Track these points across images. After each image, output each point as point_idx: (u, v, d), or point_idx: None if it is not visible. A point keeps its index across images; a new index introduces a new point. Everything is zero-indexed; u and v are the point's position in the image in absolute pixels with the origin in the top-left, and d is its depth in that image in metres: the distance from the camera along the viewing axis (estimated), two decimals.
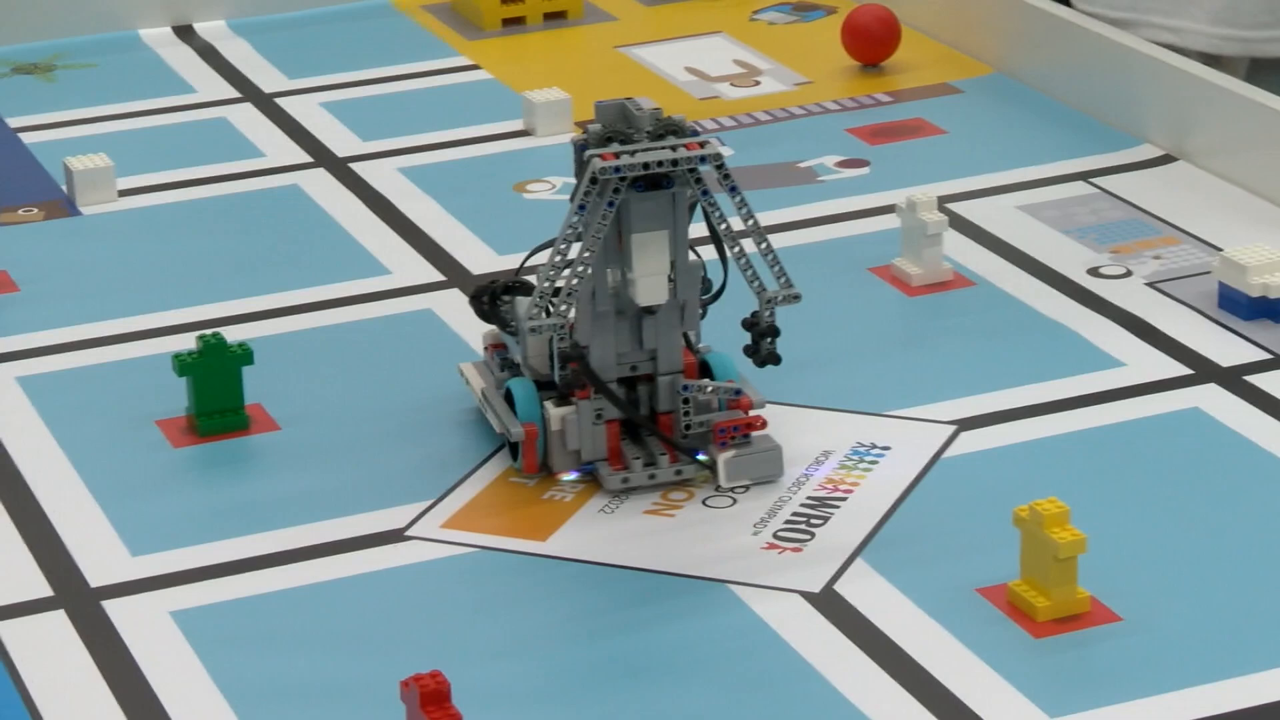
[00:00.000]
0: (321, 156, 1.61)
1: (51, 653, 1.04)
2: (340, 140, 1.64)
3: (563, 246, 1.07)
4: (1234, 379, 1.26)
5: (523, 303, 1.13)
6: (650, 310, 1.11)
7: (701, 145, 1.07)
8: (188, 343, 1.25)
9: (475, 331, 1.33)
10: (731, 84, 1.72)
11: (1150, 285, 1.37)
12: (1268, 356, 1.28)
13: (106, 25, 1.85)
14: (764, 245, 1.11)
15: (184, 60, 1.80)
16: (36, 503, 1.17)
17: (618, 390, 1.12)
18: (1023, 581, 1.05)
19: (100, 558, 1.13)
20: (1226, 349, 1.30)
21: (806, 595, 1.07)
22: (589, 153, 1.07)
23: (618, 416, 1.12)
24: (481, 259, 1.44)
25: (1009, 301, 1.35)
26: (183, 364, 1.22)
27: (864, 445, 1.20)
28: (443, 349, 1.33)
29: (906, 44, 1.73)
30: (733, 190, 1.09)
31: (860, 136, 1.61)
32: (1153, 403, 1.24)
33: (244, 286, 1.41)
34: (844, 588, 1.07)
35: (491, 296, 1.17)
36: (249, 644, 1.05)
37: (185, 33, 1.85)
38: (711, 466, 1.13)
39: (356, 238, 1.48)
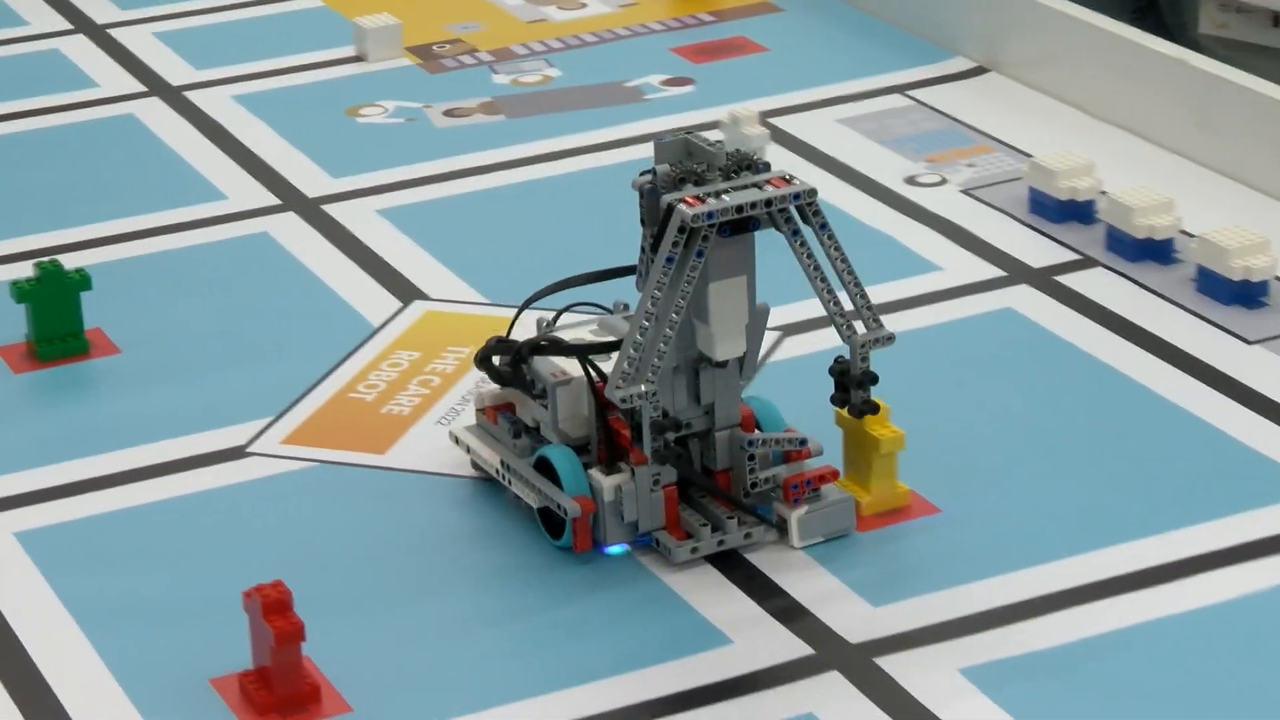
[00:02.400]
0: (155, 86, 1.60)
1: None
2: (173, 69, 1.63)
3: (650, 308, 0.94)
4: (1045, 279, 1.28)
5: (544, 362, 1.02)
6: (722, 363, 0.99)
7: (788, 181, 0.96)
8: (25, 270, 1.25)
9: (311, 255, 1.33)
10: (558, 6, 1.71)
11: (964, 192, 1.39)
12: (1076, 257, 1.31)
13: None
14: (852, 281, 0.98)
15: None
16: None
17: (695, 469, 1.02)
18: (845, 478, 1.07)
19: None
20: (1037, 251, 1.32)
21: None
22: (668, 198, 0.94)
23: (674, 481, 1.00)
24: (316, 182, 1.44)
25: (830, 210, 1.34)
26: (21, 291, 1.22)
27: None
28: (279, 271, 1.33)
29: None
30: (822, 227, 0.97)
31: (685, 55, 1.61)
32: (968, 304, 1.26)
33: (81, 215, 1.41)
34: None
35: (514, 358, 1.03)
36: (94, 563, 1.05)
37: None
38: (782, 525, 1.02)
39: (192, 164, 1.48)
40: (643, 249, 0.99)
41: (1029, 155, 1.39)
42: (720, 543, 1.00)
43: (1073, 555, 1.02)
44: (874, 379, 0.98)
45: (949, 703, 0.92)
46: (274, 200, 1.42)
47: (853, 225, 1.35)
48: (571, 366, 1.00)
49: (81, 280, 1.22)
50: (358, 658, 0.97)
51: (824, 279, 0.97)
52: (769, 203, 0.94)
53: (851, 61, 1.59)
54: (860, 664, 0.94)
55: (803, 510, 1.00)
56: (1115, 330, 1.23)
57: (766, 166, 0.97)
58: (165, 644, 0.99)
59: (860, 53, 1.60)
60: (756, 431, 1.01)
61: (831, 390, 1.00)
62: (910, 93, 1.54)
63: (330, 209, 1.40)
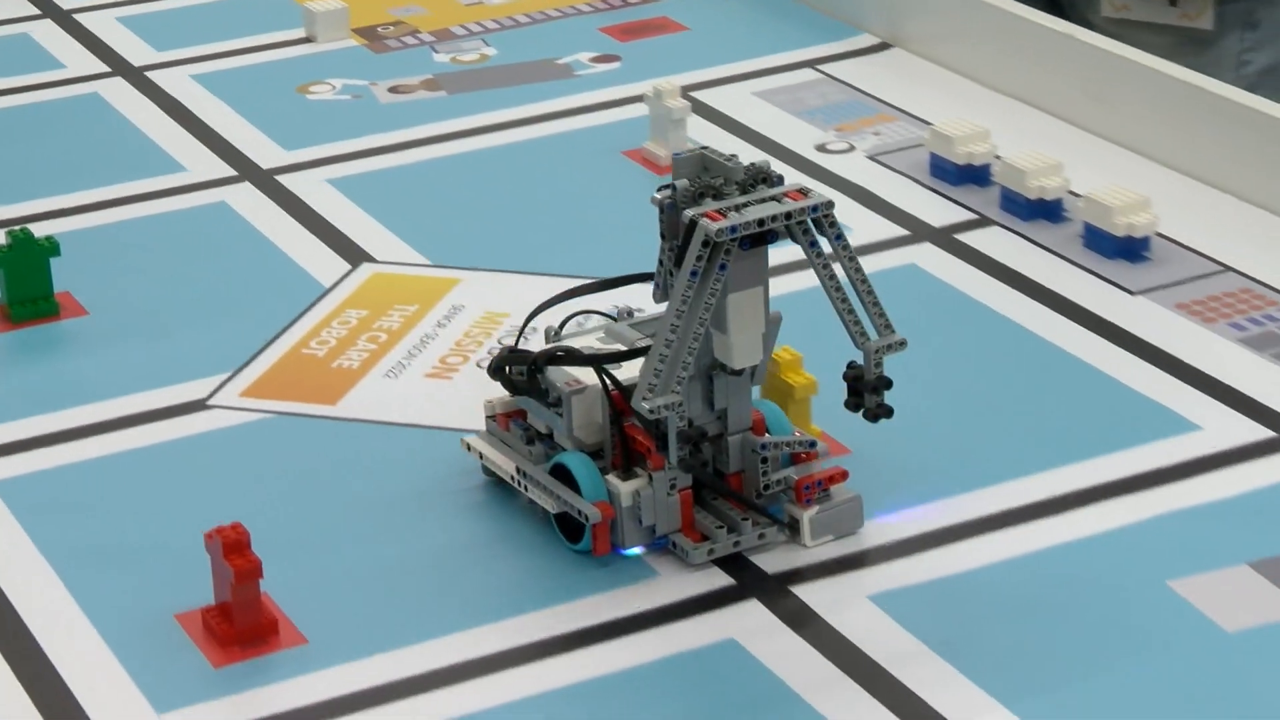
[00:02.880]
0: (119, 66, 1.59)
1: None
2: (136, 51, 1.62)
3: (675, 320, 0.89)
4: (945, 238, 1.28)
5: (557, 371, 0.96)
6: (739, 371, 0.95)
7: (805, 194, 0.92)
8: None
9: (265, 222, 1.32)
10: None
11: (870, 158, 1.39)
12: (974, 217, 1.30)
13: None
14: (865, 288, 0.93)
15: None
16: None
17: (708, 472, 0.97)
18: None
19: None
20: (938, 211, 1.32)
21: None
22: (690, 213, 0.90)
23: (690, 485, 0.96)
24: (269, 155, 1.43)
25: None
26: None
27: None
28: (236, 237, 1.32)
29: None
30: (838, 237, 0.93)
31: (612, 35, 1.61)
32: (875, 261, 1.25)
33: (50, 187, 1.39)
34: None
35: (531, 367, 0.97)
36: (66, 509, 1.04)
37: None
38: (794, 525, 0.98)
39: (154, 139, 1.46)
40: (661, 261, 0.94)
41: (929, 124, 1.39)
42: (736, 544, 0.96)
43: (973, 490, 1.03)
44: (888, 384, 0.94)
45: (857, 624, 0.92)
46: (231, 172, 1.41)
47: None
48: (585, 375, 0.96)
49: (51, 247, 1.21)
50: (313, 593, 0.97)
51: (839, 287, 0.92)
52: (789, 215, 0.91)
53: (766, 39, 1.58)
54: (778, 592, 0.94)
55: (814, 510, 0.97)
56: (1010, 284, 1.23)
57: (781, 179, 0.94)
58: (133, 582, 0.98)
59: (774, 31, 1.60)
60: (767, 435, 0.97)
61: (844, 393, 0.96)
62: (820, 67, 1.53)
63: (283, 179, 1.40)
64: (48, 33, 1.66)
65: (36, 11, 1.70)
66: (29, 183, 1.40)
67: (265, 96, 1.52)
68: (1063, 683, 0.89)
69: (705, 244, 0.89)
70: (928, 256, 1.26)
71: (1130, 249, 1.24)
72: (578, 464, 0.95)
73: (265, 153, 1.43)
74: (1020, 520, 1.00)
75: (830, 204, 0.92)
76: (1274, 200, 1.28)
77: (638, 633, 0.92)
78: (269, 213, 1.35)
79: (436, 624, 0.95)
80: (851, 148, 1.40)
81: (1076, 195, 1.28)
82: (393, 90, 1.52)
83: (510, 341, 1.07)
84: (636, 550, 0.96)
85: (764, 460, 0.96)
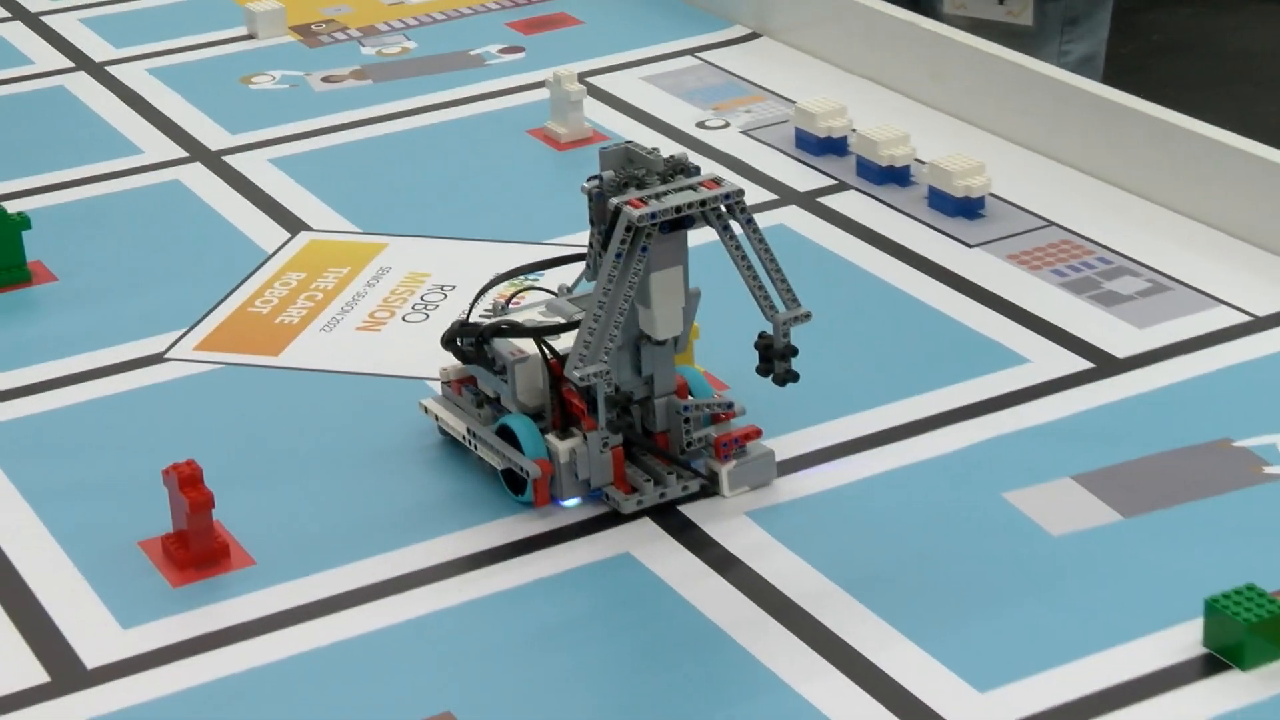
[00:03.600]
0: (81, 62, 1.57)
1: None
2: (97, 48, 1.60)
3: (602, 297, 0.89)
4: (809, 201, 1.29)
5: (503, 343, 0.95)
6: (662, 341, 0.94)
7: (718, 183, 0.91)
8: None
9: (221, 201, 1.32)
10: None
11: (743, 133, 1.39)
12: (833, 182, 1.31)
13: None
14: (774, 267, 0.92)
15: None
16: None
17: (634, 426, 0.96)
18: None
19: None
20: (802, 178, 1.32)
21: None
22: (615, 201, 0.89)
23: (620, 443, 0.94)
24: (217, 138, 1.42)
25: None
26: None
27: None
28: (188, 211, 1.31)
29: None
30: (749, 221, 0.91)
31: (517, 29, 1.60)
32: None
33: (22, 169, 1.38)
34: None
35: (477, 340, 0.96)
36: (40, 452, 1.04)
37: None
38: (713, 478, 0.96)
39: (114, 126, 1.45)
40: (590, 244, 0.93)
41: (794, 102, 1.39)
42: (662, 495, 0.94)
43: (833, 419, 1.04)
44: (794, 351, 0.92)
45: (735, 536, 0.93)
46: (183, 153, 1.40)
47: None
48: (527, 346, 0.95)
49: (23, 221, 1.20)
50: (260, 522, 0.97)
51: (749, 266, 0.91)
52: (704, 203, 0.89)
53: (651, 31, 1.58)
54: (666, 512, 0.94)
55: (732, 465, 0.95)
56: (865, 240, 1.23)
57: (697, 170, 0.92)
58: (99, 514, 0.98)
59: (658, 24, 1.59)
60: (690, 397, 0.96)
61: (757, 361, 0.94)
62: (698, 55, 1.53)
63: (230, 159, 1.39)
64: (16, 33, 1.64)
65: (7, 14, 1.68)
66: (2, 165, 1.38)
67: (212, 87, 1.51)
68: (906, 572, 0.90)
69: (628, 229, 0.88)
70: (794, 217, 1.27)
71: (968, 208, 1.25)
72: (520, 425, 0.94)
73: (213, 136, 1.42)
74: (880, 443, 1.01)
75: (740, 192, 0.90)
76: (1089, 164, 1.29)
77: (549, 547, 0.93)
78: (217, 189, 1.34)
79: (369, 546, 0.95)
80: (727, 124, 1.40)
81: (921, 162, 1.29)
82: (325, 80, 1.52)
83: (433, 299, 1.07)
84: (574, 501, 0.95)
85: (687, 420, 0.95)
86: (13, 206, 1.23)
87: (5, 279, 1.21)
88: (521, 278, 1.06)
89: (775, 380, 0.93)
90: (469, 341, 0.96)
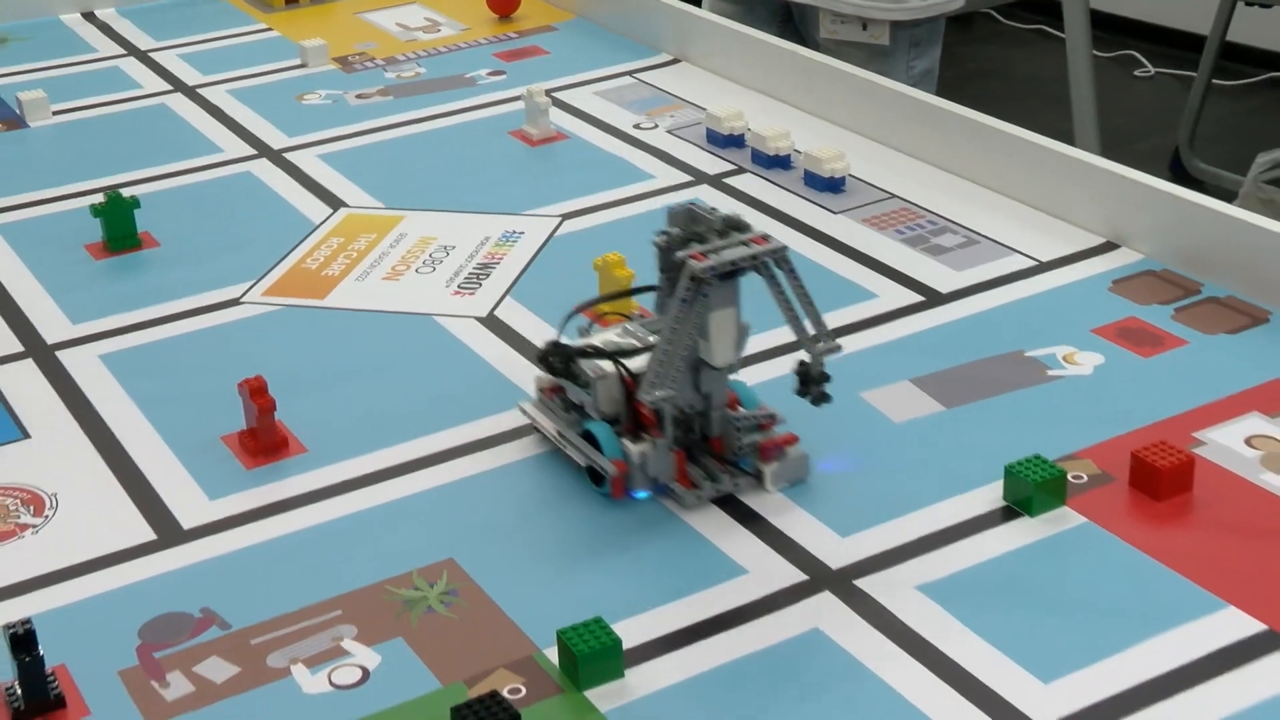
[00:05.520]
0: (178, 85, 1.55)
1: (25, 389, 1.01)
2: (190, 75, 1.57)
3: (670, 336, 0.81)
4: (717, 181, 1.27)
5: (587, 362, 0.87)
6: (718, 366, 0.85)
7: (766, 239, 0.83)
8: (98, 198, 1.20)
9: (281, 186, 1.30)
10: (424, 32, 1.68)
11: (669, 132, 1.37)
12: (734, 167, 1.29)
13: (35, 13, 1.76)
14: (810, 307, 0.83)
15: (89, 33, 1.71)
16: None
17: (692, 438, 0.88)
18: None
19: (51, 323, 1.09)
20: (712, 164, 1.30)
21: (478, 319, 1.07)
22: (680, 255, 0.81)
23: (683, 446, 0.87)
24: (278, 140, 1.40)
25: (592, 148, 1.35)
26: (96, 210, 1.18)
27: (509, 231, 1.20)
28: (256, 194, 1.29)
29: (525, 3, 1.71)
30: (791, 272, 0.83)
31: (501, 58, 1.58)
32: (671, 197, 1.24)
33: (135, 164, 1.35)
34: (503, 313, 1.07)
35: (565, 359, 0.87)
36: (150, 372, 1.02)
37: (89, 17, 1.76)
38: (758, 475, 0.87)
39: (202, 132, 1.43)
40: (659, 286, 0.86)
41: (705, 109, 1.38)
42: (716, 490, 0.86)
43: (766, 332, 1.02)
44: (828, 378, 0.84)
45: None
46: (253, 151, 1.38)
47: (603, 154, 1.33)
48: (606, 364, 0.87)
49: (134, 202, 1.18)
50: (312, 422, 0.95)
51: (790, 308, 0.83)
52: (754, 257, 0.82)
53: (599, 58, 1.56)
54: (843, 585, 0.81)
55: (774, 465, 0.87)
56: (758, 210, 1.22)
57: (749, 227, 0.84)
58: (193, 417, 0.97)
59: (605, 53, 1.57)
60: (740, 409, 0.88)
61: (794, 383, 0.85)
62: (635, 75, 1.52)
63: (289, 155, 1.37)
64: (130, 65, 1.61)
65: (123, 51, 1.65)
66: (120, 162, 1.36)
67: (274, 103, 1.49)
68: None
69: (692, 278, 0.81)
70: (705, 193, 1.25)
71: (833, 185, 1.23)
72: (601, 431, 0.86)
73: (275, 138, 1.40)
74: (769, 358, 0.99)
75: (784, 248, 0.83)
76: (921, 153, 1.28)
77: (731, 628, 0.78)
78: (278, 178, 1.32)
79: (395, 437, 0.94)
80: (656, 125, 1.39)
81: (799, 152, 1.28)
82: (358, 97, 1.49)
83: (439, 256, 1.06)
84: (644, 494, 0.87)
85: (737, 429, 0.87)
86: (127, 192, 1.20)
87: (122, 245, 1.19)
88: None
89: (812, 401, 0.84)
90: (560, 360, 0.88)
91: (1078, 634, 0.75)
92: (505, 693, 0.73)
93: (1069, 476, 0.85)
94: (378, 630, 0.78)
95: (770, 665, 0.74)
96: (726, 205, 1.23)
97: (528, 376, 0.98)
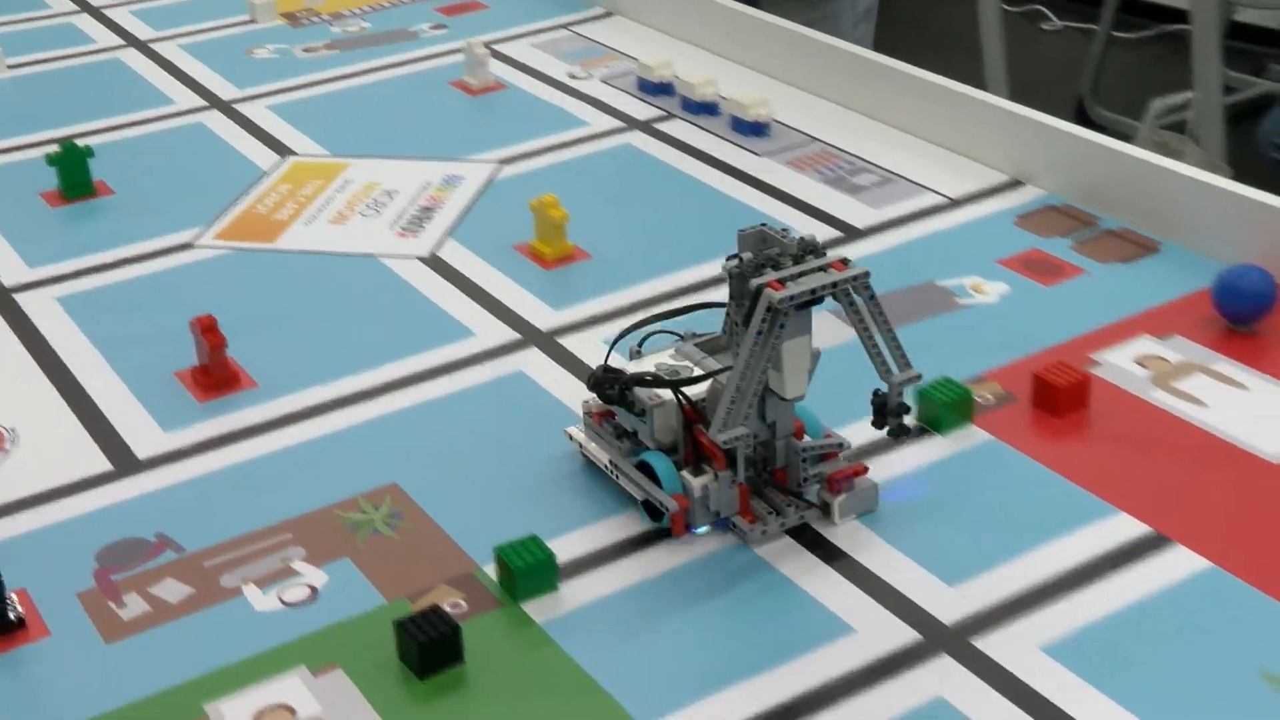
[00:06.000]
0: (131, 40, 1.52)
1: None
2: (142, 30, 1.54)
3: (745, 369, 0.71)
4: (648, 127, 1.26)
5: (642, 392, 0.77)
6: (790, 399, 0.75)
7: (846, 264, 0.73)
8: (53, 147, 1.18)
9: (232, 136, 1.28)
10: None
11: (602, 81, 1.36)
12: (664, 114, 1.28)
13: None
14: (890, 336, 0.74)
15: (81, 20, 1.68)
16: None
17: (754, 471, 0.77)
18: (536, 240, 1.05)
19: (8, 267, 1.07)
20: (643, 111, 1.29)
21: (421, 259, 1.06)
22: (756, 283, 0.71)
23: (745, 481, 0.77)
24: (226, 90, 1.37)
25: (529, 97, 1.34)
26: (51, 159, 1.16)
27: (450, 176, 1.19)
28: (209, 145, 1.27)
29: None
30: (871, 298, 0.73)
31: (442, 12, 1.55)
32: (604, 142, 1.22)
33: (90, 116, 1.33)
34: (445, 253, 1.06)
35: (621, 387, 0.77)
36: (103, 312, 1.01)
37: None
38: (825, 507, 0.78)
39: (155, 85, 1.40)
40: (728, 314, 0.77)
41: (636, 59, 1.36)
42: (782, 525, 0.76)
43: (665, 272, 1.01)
44: (907, 409, 0.75)
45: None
46: (204, 103, 1.36)
47: (540, 104, 1.32)
48: (664, 391, 0.77)
49: (89, 152, 1.16)
50: (261, 358, 0.94)
51: (870, 336, 0.73)
52: (835, 284, 0.72)
53: (536, 12, 1.54)
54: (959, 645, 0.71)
55: (842, 497, 0.77)
56: (689, 154, 1.21)
57: (824, 251, 0.74)
58: (147, 354, 0.95)
59: (540, 7, 1.55)
60: (806, 438, 0.78)
61: (871, 414, 0.76)
62: (570, 28, 1.50)
63: (238, 107, 1.34)
64: (84, 21, 1.58)
65: (76, 7, 1.62)
66: (75, 114, 1.33)
67: (225, 56, 1.46)
68: None
69: (769, 309, 0.71)
70: (637, 139, 1.24)
71: (758, 129, 1.23)
72: (659, 463, 0.76)
73: (226, 90, 1.38)
74: (705, 288, 0.99)
75: (867, 274, 0.72)
76: (840, 99, 1.28)
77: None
78: (229, 128, 1.30)
79: (341, 371, 0.93)
80: (590, 75, 1.37)
81: (725, 98, 1.27)
82: (305, 50, 1.47)
83: (383, 201, 1.04)
84: (704, 529, 0.77)
85: (804, 460, 0.77)
86: (82, 142, 1.18)
87: (77, 193, 1.17)
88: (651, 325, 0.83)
89: (890, 434, 0.75)
90: (615, 388, 0.77)
91: (983, 540, 0.76)
92: (446, 607, 0.73)
93: (976, 397, 0.86)
94: (325, 551, 0.77)
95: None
96: (657, 149, 1.22)
97: (470, 313, 0.98)
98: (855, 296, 0.73)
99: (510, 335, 0.96)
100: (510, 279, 1.02)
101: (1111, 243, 1.03)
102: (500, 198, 1.15)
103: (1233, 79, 2.89)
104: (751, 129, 1.23)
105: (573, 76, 1.38)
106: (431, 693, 0.68)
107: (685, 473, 0.76)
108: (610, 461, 0.79)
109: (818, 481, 0.77)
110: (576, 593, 0.74)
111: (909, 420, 0.72)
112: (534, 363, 0.93)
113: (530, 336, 0.95)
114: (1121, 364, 0.89)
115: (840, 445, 0.77)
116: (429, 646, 0.68)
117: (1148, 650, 0.69)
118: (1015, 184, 1.12)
